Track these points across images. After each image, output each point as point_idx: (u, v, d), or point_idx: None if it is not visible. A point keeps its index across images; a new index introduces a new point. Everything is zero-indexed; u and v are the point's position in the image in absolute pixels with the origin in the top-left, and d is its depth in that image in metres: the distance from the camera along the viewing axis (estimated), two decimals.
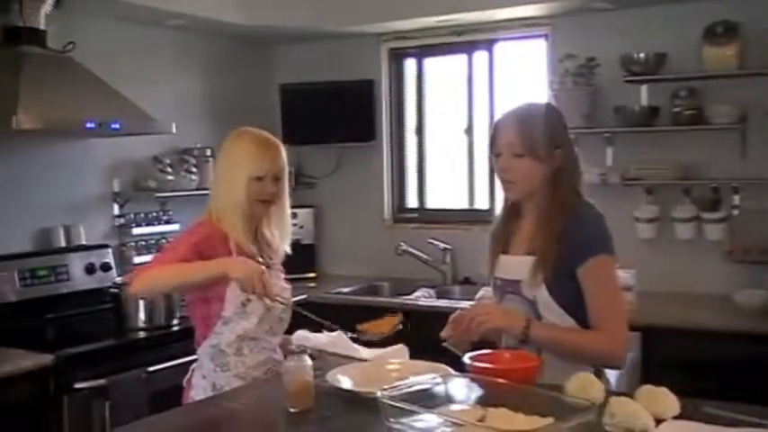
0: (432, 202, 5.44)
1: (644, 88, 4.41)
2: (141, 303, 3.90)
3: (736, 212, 4.21)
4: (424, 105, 5.46)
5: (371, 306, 4.69)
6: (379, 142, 5.43)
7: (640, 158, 4.44)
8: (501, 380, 1.93)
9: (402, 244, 5.02)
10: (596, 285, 2.34)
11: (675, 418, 1.84)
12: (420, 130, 5.47)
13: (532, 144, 2.38)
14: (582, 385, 1.94)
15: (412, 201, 5.54)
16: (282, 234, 2.87)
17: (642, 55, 4.32)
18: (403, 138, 5.52)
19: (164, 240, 4.72)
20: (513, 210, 2.54)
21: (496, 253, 2.53)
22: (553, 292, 2.33)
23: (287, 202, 2.85)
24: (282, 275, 2.89)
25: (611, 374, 2.41)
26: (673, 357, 3.71)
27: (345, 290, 4.96)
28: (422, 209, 5.46)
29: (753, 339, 3.63)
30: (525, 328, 2.27)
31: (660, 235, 4.43)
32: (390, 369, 2.35)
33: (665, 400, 1.88)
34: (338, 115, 5.34)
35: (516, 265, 2.43)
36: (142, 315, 3.91)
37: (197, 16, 4.55)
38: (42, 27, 3.89)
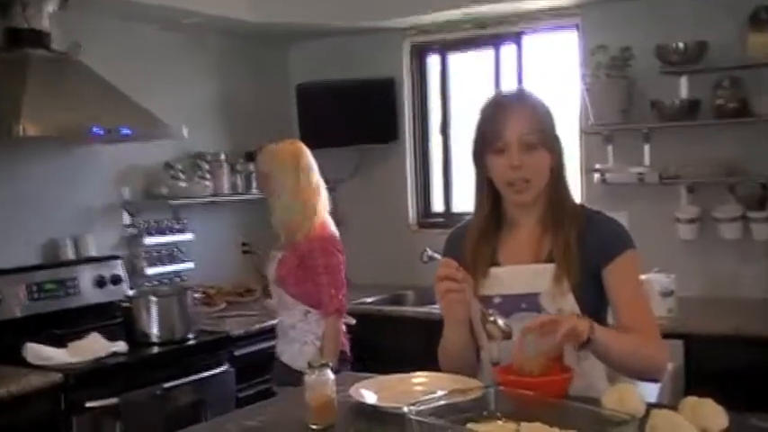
0: (459, 206, 5.42)
1: (683, 80, 4.39)
2: (155, 316, 3.91)
3: None
4: (449, 103, 5.45)
5: (395, 316, 4.69)
6: (401, 143, 5.44)
7: (680, 155, 4.41)
8: (533, 392, 1.91)
9: (428, 250, 4.96)
10: (627, 280, 2.21)
11: (723, 431, 1.82)
12: (445, 130, 5.47)
13: (546, 132, 2.21)
14: (620, 397, 1.91)
15: (438, 204, 5.54)
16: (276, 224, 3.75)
17: (680, 44, 4.28)
18: (427, 138, 5.52)
19: (176, 250, 4.73)
20: (493, 218, 2.38)
21: (483, 268, 2.33)
22: (580, 300, 2.17)
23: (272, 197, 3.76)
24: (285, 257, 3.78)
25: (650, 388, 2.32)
26: (718, 367, 3.69)
27: (368, 300, 4.95)
28: (448, 213, 5.44)
29: None
30: (590, 327, 2.02)
31: (703, 236, 4.40)
32: (415, 383, 2.33)
33: (711, 412, 1.85)
34: (358, 115, 5.34)
35: (529, 276, 2.24)
36: (156, 329, 3.91)
37: (206, 14, 4.59)
38: (46, 28, 3.92)
